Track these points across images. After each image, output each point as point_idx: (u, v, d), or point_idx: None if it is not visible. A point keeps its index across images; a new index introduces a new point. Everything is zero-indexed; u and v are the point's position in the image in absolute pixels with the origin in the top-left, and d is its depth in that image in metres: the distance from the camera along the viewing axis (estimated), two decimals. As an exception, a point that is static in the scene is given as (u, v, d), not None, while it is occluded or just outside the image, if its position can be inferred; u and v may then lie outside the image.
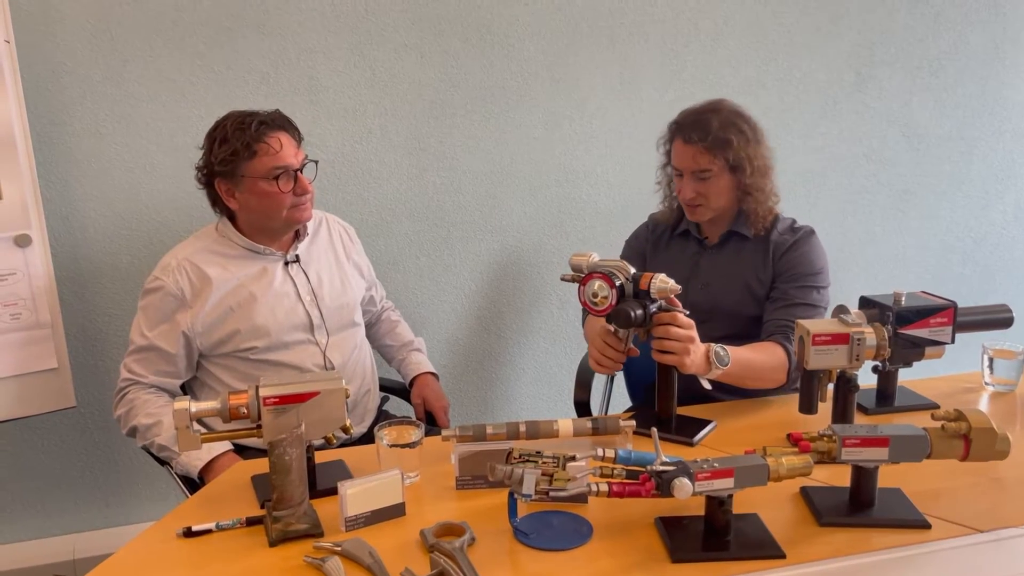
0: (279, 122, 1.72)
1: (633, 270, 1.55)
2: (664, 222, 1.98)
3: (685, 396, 1.66)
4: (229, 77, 2.16)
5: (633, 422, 1.48)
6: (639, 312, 1.50)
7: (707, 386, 1.59)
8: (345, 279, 1.91)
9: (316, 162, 1.81)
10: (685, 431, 1.58)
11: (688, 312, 1.55)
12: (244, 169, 1.69)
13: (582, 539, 1.22)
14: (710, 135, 1.74)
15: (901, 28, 2.71)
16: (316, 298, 1.82)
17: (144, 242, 2.19)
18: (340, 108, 2.27)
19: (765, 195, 1.82)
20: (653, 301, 1.53)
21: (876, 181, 2.83)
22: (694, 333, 1.54)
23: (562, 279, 1.62)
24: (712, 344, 1.56)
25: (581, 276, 1.56)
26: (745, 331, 1.81)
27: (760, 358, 1.66)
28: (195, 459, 1.62)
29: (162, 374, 1.74)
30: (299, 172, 1.73)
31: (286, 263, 1.81)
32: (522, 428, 1.45)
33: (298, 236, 1.84)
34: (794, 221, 1.88)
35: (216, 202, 1.78)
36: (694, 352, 1.53)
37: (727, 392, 1.73)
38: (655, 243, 1.99)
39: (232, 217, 1.81)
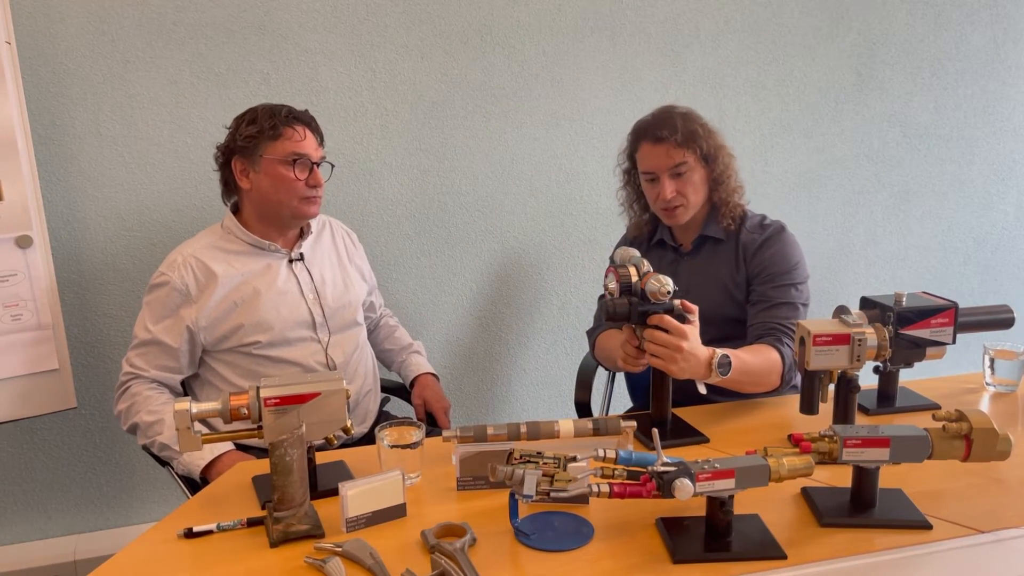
0: (306, 119, 1.80)
1: (648, 269, 1.55)
2: (639, 236, 1.99)
3: (685, 398, 1.66)
4: (230, 78, 2.16)
5: (634, 423, 1.48)
6: (621, 309, 1.52)
7: (702, 390, 1.58)
8: (348, 279, 1.93)
9: (333, 165, 1.89)
10: (678, 436, 1.57)
11: (692, 319, 1.53)
12: (264, 149, 1.74)
13: (583, 540, 1.22)
14: (678, 130, 1.77)
15: (901, 28, 2.71)
16: (319, 296, 1.83)
17: (145, 243, 2.19)
18: (340, 109, 2.27)
19: (733, 184, 1.84)
20: (648, 301, 1.53)
21: (877, 181, 2.83)
22: (683, 342, 1.49)
23: None
24: (717, 350, 1.54)
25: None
26: (729, 333, 1.81)
27: (757, 362, 1.65)
28: (197, 459, 1.63)
29: (164, 369, 1.75)
30: (316, 166, 1.78)
31: (290, 260, 1.83)
32: (523, 429, 1.45)
33: (302, 234, 1.87)
34: (763, 218, 1.87)
35: (228, 185, 1.82)
36: (683, 360, 1.49)
37: (721, 394, 1.72)
38: None
39: (237, 210, 1.84)
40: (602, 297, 1.99)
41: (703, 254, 1.88)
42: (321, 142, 1.82)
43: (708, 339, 1.66)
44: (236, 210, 1.85)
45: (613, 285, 1.55)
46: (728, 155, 1.84)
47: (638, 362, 1.63)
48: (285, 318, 1.78)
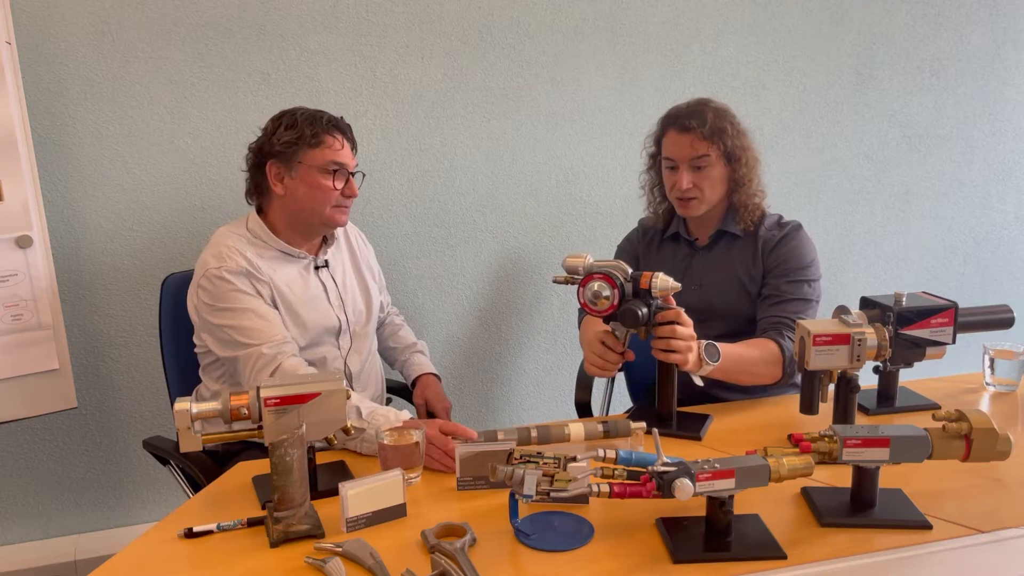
0: (343, 127, 1.78)
1: (631, 270, 1.55)
2: (653, 227, 1.99)
3: (686, 396, 1.66)
4: (230, 78, 2.16)
5: (643, 423, 1.48)
6: (644, 311, 1.51)
7: (699, 383, 1.59)
8: (364, 283, 1.94)
9: (364, 175, 1.86)
10: (687, 427, 1.58)
11: (684, 309, 1.56)
12: (303, 156, 1.71)
13: (583, 540, 1.22)
14: (707, 123, 1.77)
15: (901, 28, 2.71)
16: (343, 303, 1.84)
17: (145, 243, 2.19)
18: (341, 109, 2.25)
19: (754, 188, 1.84)
20: (654, 300, 1.54)
21: (877, 181, 2.83)
22: (693, 331, 1.55)
23: (554, 281, 1.62)
24: (702, 341, 1.57)
25: (576, 278, 1.56)
26: (741, 329, 1.82)
27: (752, 353, 1.67)
28: (392, 418, 1.51)
29: (287, 335, 1.67)
30: (352, 176, 1.77)
31: (317, 267, 1.82)
32: (533, 433, 1.44)
33: (326, 241, 1.86)
34: (781, 217, 1.89)
35: (257, 186, 1.79)
36: (695, 350, 1.55)
37: (726, 389, 1.73)
38: (646, 247, 1.99)
39: (259, 212, 1.80)
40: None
41: (719, 249, 1.89)
42: (355, 151, 1.81)
43: (719, 334, 1.68)
44: (258, 211, 1.82)
45: (608, 293, 1.52)
46: (753, 158, 1.84)
47: (615, 368, 1.63)
48: (317, 324, 1.77)
